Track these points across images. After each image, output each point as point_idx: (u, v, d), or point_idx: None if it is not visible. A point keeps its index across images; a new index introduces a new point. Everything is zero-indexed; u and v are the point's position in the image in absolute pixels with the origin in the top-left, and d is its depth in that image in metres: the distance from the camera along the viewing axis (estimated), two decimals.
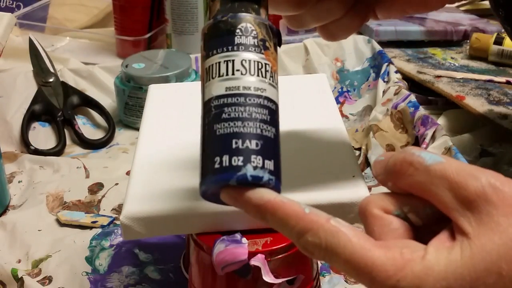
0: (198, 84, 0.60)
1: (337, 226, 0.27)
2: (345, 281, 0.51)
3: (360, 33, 0.88)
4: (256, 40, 0.33)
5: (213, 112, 0.31)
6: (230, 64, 0.32)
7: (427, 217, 0.29)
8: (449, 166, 0.27)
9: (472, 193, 0.26)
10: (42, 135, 0.74)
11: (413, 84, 0.77)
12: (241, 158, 0.30)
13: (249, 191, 0.30)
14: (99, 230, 0.58)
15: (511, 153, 0.64)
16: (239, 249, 0.39)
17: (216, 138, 0.31)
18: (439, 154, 0.28)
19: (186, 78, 0.75)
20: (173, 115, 0.52)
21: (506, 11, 0.57)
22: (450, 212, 0.27)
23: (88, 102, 0.78)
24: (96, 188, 0.64)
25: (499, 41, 0.81)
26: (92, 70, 0.81)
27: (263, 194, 0.29)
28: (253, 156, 0.30)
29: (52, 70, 0.78)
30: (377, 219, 0.29)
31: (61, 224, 0.59)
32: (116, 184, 0.64)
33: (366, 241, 0.27)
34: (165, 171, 0.44)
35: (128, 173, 0.65)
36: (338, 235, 0.27)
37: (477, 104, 0.69)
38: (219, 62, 0.32)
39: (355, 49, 0.82)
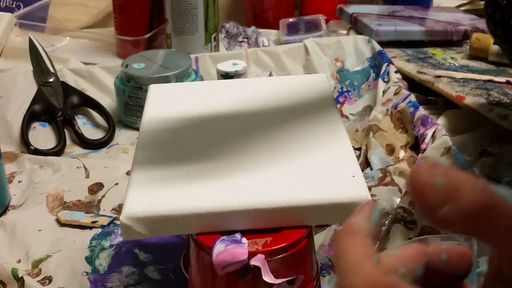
0: (198, 84, 0.61)
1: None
2: None
3: (360, 33, 0.88)
4: None
5: None
6: None
7: (416, 280, 0.26)
8: None
9: None
10: (42, 135, 0.74)
11: (413, 84, 0.77)
12: None
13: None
14: (99, 230, 0.58)
15: (511, 153, 0.64)
16: (239, 249, 0.39)
17: None
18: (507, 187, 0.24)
19: (186, 78, 0.75)
20: (173, 115, 0.52)
21: (504, 29, 0.56)
22: None
23: (88, 102, 0.78)
24: (96, 188, 0.64)
25: None
26: (92, 70, 0.81)
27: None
28: None
29: (52, 70, 0.78)
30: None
31: (61, 224, 0.59)
32: (116, 184, 0.64)
33: None
34: (165, 171, 0.44)
35: (128, 173, 0.65)
36: None
37: (477, 104, 0.69)
38: None
39: (355, 49, 0.82)
